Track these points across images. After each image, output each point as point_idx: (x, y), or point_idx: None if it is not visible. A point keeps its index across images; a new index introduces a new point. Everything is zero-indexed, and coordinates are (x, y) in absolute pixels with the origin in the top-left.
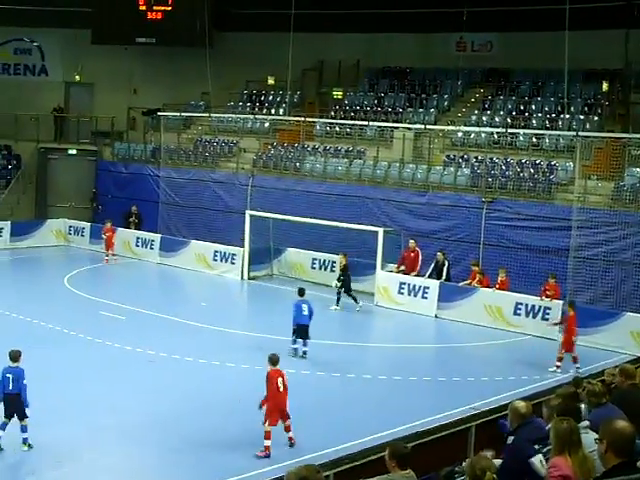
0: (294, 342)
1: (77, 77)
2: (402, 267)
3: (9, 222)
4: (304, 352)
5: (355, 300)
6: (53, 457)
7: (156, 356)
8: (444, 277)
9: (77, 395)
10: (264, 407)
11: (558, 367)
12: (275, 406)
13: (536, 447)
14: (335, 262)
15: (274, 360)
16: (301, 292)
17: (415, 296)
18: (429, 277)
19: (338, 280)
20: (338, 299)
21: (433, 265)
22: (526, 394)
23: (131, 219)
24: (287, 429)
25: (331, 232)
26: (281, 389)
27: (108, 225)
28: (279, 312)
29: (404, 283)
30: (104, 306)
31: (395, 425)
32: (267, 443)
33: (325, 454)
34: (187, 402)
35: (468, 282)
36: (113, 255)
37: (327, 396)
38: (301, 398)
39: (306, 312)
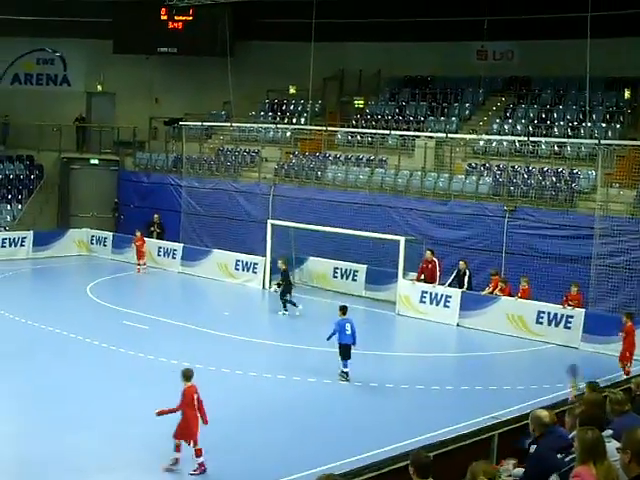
0: (345, 365)
1: (99, 87)
2: (422, 278)
3: (31, 232)
4: (345, 373)
5: (294, 304)
6: (75, 467)
7: (179, 365)
8: (466, 286)
9: (99, 404)
10: (179, 424)
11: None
12: (189, 425)
13: (559, 456)
14: (357, 271)
15: (188, 375)
16: (343, 310)
17: (437, 305)
18: (449, 286)
19: (278, 285)
20: (284, 304)
21: (455, 274)
22: (548, 403)
23: (152, 228)
24: (198, 453)
25: (353, 241)
26: (196, 406)
27: (138, 235)
28: (301, 321)
29: (426, 292)
30: (127, 315)
31: (417, 434)
32: (200, 460)
33: (347, 463)
34: (210, 412)
35: (489, 291)
36: (144, 264)
37: (349, 405)
38: (323, 407)
39: (349, 332)
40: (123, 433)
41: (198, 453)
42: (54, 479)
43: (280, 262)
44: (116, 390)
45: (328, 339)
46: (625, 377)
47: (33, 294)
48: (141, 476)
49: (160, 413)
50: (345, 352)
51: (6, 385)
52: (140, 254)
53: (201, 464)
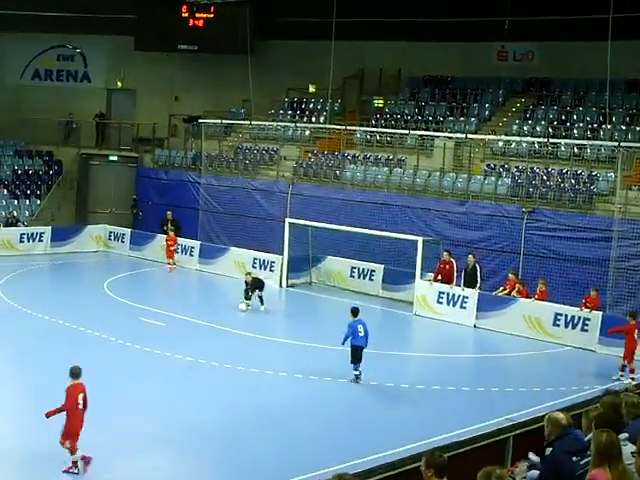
0: (356, 368)
1: (119, 84)
2: (439, 278)
3: (50, 227)
4: (356, 376)
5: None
6: (95, 466)
7: (195, 363)
8: (478, 283)
9: (116, 401)
10: (65, 425)
11: (622, 375)
12: (73, 426)
13: (574, 459)
14: (374, 271)
15: (75, 372)
16: (355, 312)
17: (454, 306)
18: (463, 284)
19: (247, 306)
20: (261, 300)
21: (463, 271)
22: (564, 405)
23: (166, 227)
24: (73, 452)
25: (370, 241)
26: (80, 406)
27: (171, 234)
28: (317, 320)
29: (443, 292)
30: (144, 312)
31: (432, 435)
32: (74, 458)
33: (361, 463)
34: (226, 409)
35: (507, 291)
36: (173, 264)
37: (365, 404)
38: (338, 406)
39: (362, 333)
40: (139, 430)
41: (74, 452)
42: (73, 478)
43: (247, 276)
44: (132, 386)
45: (343, 343)
46: (631, 376)
47: (50, 289)
48: (154, 472)
49: (48, 414)
50: (356, 354)
51: (22, 379)
52: (170, 253)
53: (75, 462)
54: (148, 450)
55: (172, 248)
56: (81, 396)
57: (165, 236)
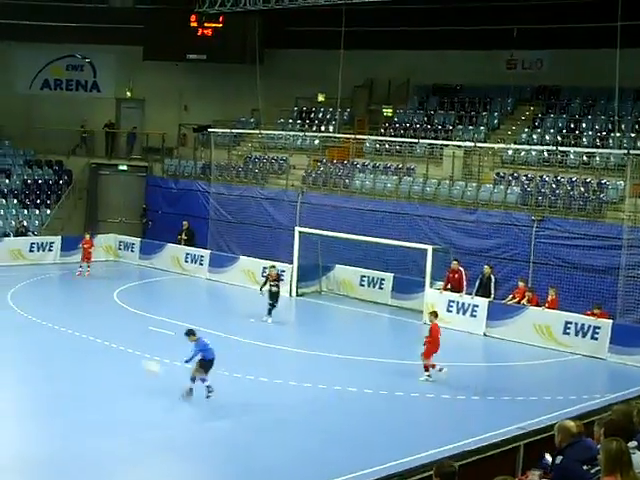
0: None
1: (128, 93)
2: (448, 287)
3: (60, 237)
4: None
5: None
6: (96, 471)
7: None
8: (492, 294)
9: (126, 411)
10: None
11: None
12: None
13: (585, 467)
14: (384, 280)
15: None
16: (192, 332)
17: (464, 314)
18: (476, 293)
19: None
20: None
21: (479, 280)
22: (575, 414)
23: (180, 236)
24: None
25: (380, 249)
26: None
27: (87, 237)
28: (327, 329)
29: (452, 301)
30: (153, 321)
31: (442, 444)
32: None
33: (370, 472)
34: (235, 418)
35: (516, 300)
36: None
37: (374, 414)
38: (348, 415)
39: (210, 345)
40: (147, 438)
41: None
42: None
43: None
44: (141, 396)
45: (189, 362)
46: None
47: (60, 299)
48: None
49: None
50: (209, 367)
51: (32, 389)
52: (87, 255)
53: None
54: (155, 458)
55: (90, 251)
56: None
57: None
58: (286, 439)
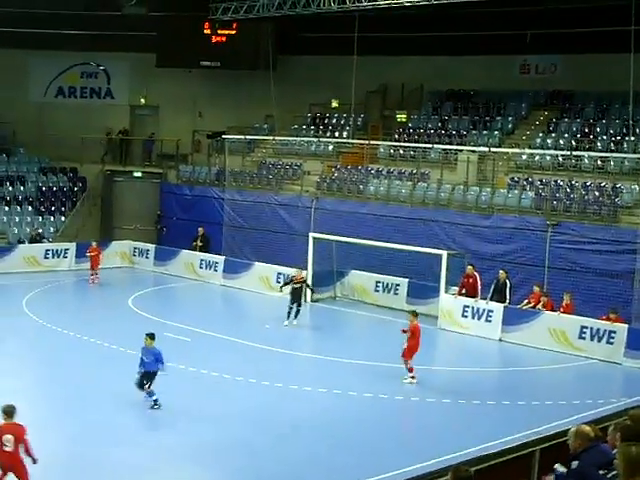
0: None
1: (142, 100)
2: (463, 292)
3: (74, 244)
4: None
5: (288, 316)
6: (109, 474)
7: (219, 378)
8: (508, 299)
9: (141, 416)
10: None
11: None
12: None
13: (601, 472)
14: (399, 285)
15: (9, 412)
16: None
17: (479, 319)
18: (491, 299)
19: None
20: (296, 313)
21: (494, 285)
22: (591, 418)
23: (195, 242)
24: None
25: (394, 255)
26: (7, 448)
27: (94, 245)
28: (342, 335)
29: (468, 306)
30: (169, 327)
31: (458, 449)
32: None
33: (386, 478)
34: (249, 424)
35: (532, 304)
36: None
37: (390, 419)
38: (363, 420)
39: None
40: (163, 444)
41: None
42: None
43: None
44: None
45: (162, 366)
46: None
47: (75, 305)
48: None
49: None
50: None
51: (49, 395)
52: (95, 263)
53: None
54: (167, 464)
55: (97, 259)
56: (8, 438)
57: None
58: (298, 445)
